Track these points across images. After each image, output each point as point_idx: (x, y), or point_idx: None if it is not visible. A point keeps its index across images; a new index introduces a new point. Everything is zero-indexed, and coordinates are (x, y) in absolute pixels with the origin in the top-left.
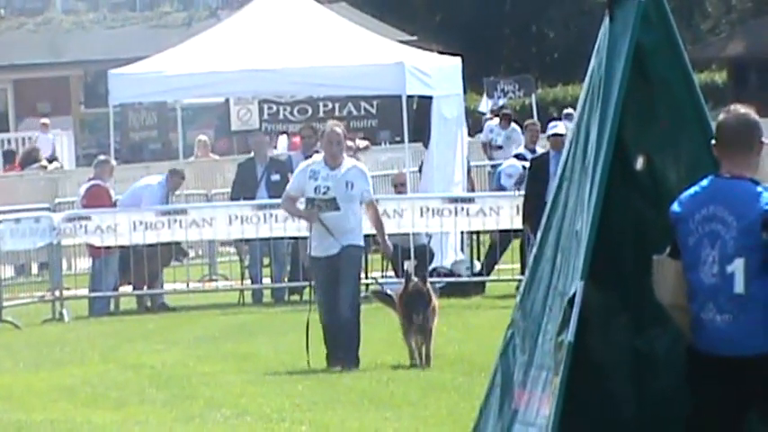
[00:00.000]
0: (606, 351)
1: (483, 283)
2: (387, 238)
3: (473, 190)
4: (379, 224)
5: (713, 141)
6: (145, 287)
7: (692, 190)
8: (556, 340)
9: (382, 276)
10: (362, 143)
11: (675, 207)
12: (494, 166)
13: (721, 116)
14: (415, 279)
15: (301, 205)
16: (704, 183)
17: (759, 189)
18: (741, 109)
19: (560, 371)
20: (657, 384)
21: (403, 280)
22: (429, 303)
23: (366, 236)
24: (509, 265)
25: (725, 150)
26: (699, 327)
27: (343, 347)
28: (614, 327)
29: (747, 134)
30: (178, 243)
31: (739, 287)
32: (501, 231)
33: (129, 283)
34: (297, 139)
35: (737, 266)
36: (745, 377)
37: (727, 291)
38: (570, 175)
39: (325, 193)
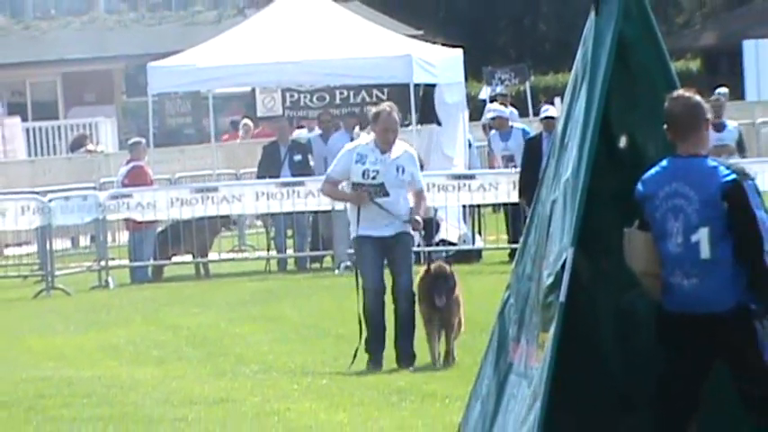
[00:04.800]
0: (593, 310)
1: (480, 252)
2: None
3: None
4: (423, 209)
5: (665, 126)
6: (198, 256)
7: (653, 170)
8: (544, 302)
9: None
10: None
11: (640, 187)
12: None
13: (667, 104)
14: (439, 261)
15: (347, 189)
16: (664, 163)
17: (713, 164)
18: (685, 93)
19: (549, 328)
20: (639, 340)
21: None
22: (453, 289)
23: None
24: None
25: (678, 133)
26: (668, 290)
27: (401, 338)
28: (599, 288)
29: (695, 116)
30: (226, 216)
31: (705, 253)
32: (501, 205)
33: (175, 255)
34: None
35: (702, 235)
36: (715, 331)
37: (693, 258)
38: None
39: (374, 178)
